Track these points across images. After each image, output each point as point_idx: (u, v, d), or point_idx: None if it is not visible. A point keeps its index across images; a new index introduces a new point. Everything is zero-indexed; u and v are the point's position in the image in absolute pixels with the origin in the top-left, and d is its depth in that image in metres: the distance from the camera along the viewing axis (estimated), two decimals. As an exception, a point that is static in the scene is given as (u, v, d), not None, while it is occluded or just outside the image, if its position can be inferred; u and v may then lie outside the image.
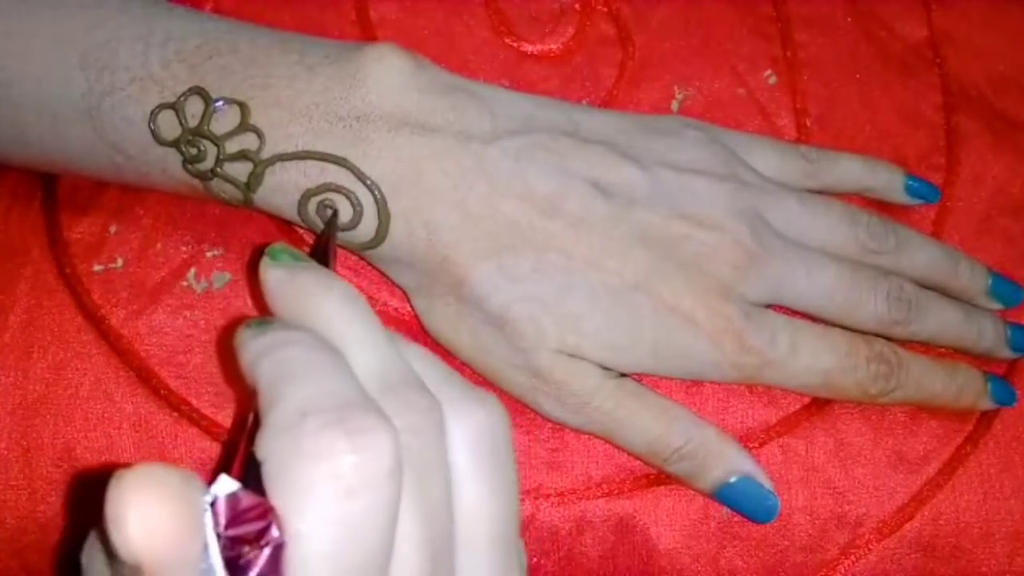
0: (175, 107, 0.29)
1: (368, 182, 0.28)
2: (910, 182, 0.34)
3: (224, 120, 0.29)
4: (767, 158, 0.33)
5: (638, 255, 0.29)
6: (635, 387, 0.30)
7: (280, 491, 0.19)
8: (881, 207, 0.34)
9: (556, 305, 0.29)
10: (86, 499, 0.31)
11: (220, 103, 0.29)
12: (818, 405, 0.32)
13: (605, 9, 0.36)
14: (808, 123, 0.35)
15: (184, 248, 0.32)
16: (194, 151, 0.29)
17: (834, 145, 0.35)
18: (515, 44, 0.35)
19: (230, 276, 0.32)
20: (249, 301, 0.32)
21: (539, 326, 0.29)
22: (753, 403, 0.32)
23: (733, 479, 0.30)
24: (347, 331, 0.23)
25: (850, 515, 0.31)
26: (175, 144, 0.29)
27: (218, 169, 0.29)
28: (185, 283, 0.32)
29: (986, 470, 0.32)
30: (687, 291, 0.29)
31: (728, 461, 0.30)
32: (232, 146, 0.29)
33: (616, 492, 0.31)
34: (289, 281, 0.24)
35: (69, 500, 0.31)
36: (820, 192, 0.33)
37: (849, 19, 0.37)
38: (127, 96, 0.29)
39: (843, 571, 0.31)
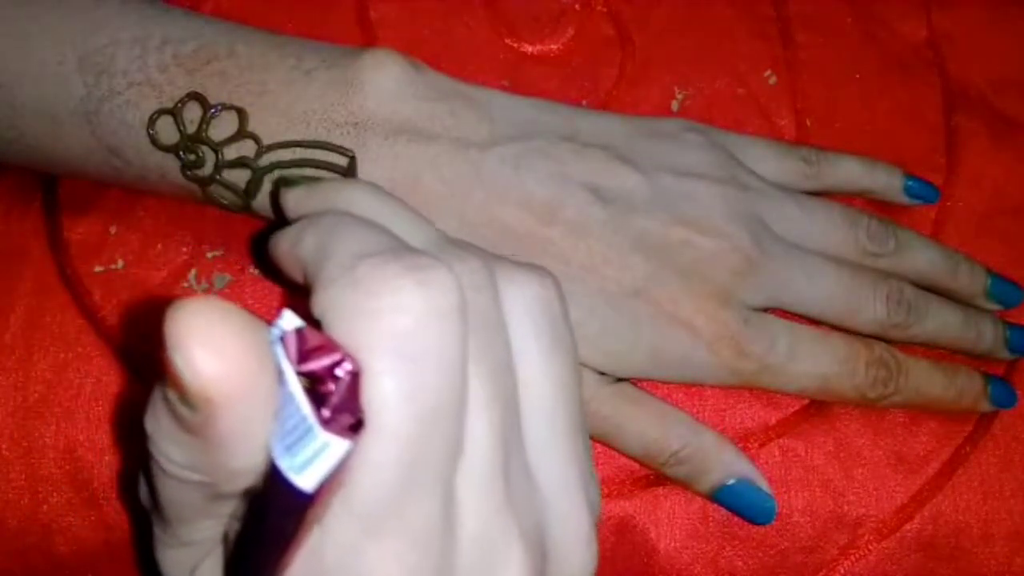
0: (173, 112, 0.29)
1: None
2: (909, 183, 0.34)
3: (222, 126, 0.29)
4: (767, 160, 0.33)
5: (636, 262, 0.29)
6: (632, 392, 0.30)
7: (345, 334, 0.18)
8: (881, 208, 0.34)
9: None
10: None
11: (218, 109, 0.29)
12: (817, 406, 0.32)
13: (605, 9, 0.36)
14: (808, 123, 0.35)
15: (184, 249, 0.32)
16: (192, 157, 0.29)
17: (834, 145, 0.35)
18: (515, 44, 0.35)
19: (231, 277, 0.32)
20: (250, 301, 0.32)
21: None
22: (752, 404, 0.32)
23: (731, 482, 0.30)
24: (379, 207, 0.22)
25: (850, 516, 0.31)
26: (173, 150, 0.29)
27: (217, 175, 0.29)
28: (186, 284, 0.32)
29: (986, 470, 0.32)
30: (686, 297, 0.29)
31: (725, 464, 0.30)
32: (230, 152, 0.29)
33: (616, 493, 0.31)
34: (310, 193, 0.23)
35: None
36: (820, 193, 0.33)
37: (849, 19, 0.37)
38: (125, 101, 0.29)
39: (843, 571, 0.31)
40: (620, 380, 0.30)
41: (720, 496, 0.30)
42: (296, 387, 0.17)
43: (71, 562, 0.31)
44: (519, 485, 0.20)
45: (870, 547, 0.31)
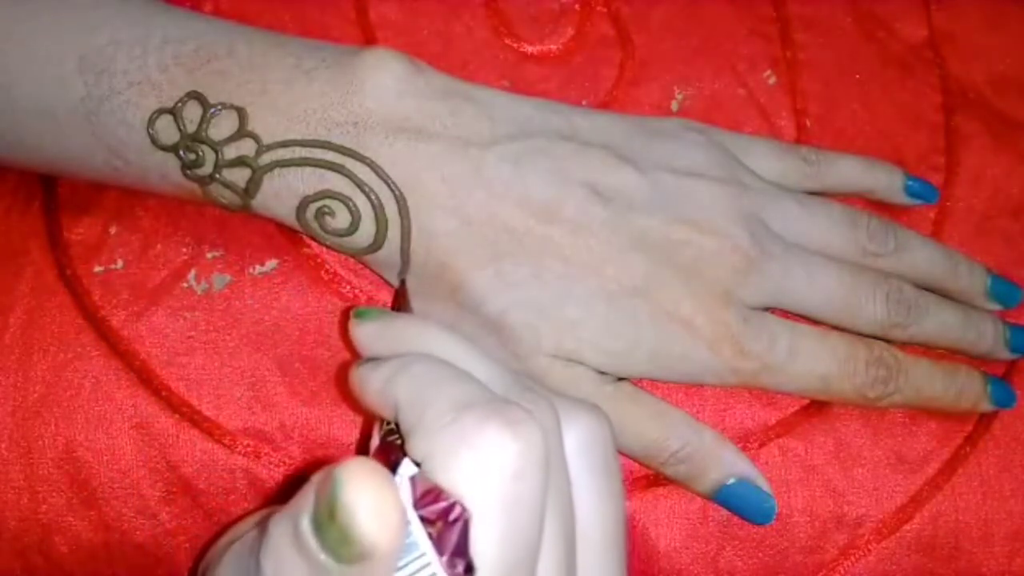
0: (173, 112, 0.29)
1: (366, 188, 0.28)
2: (909, 183, 0.34)
3: (222, 125, 0.29)
4: (767, 160, 0.33)
5: (636, 261, 0.29)
6: (632, 391, 0.30)
7: (451, 482, 0.20)
8: (881, 208, 0.34)
9: (553, 311, 0.29)
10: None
11: (218, 108, 0.29)
12: (817, 406, 0.32)
13: (605, 9, 0.36)
14: (808, 123, 0.35)
15: (184, 249, 0.32)
16: (192, 156, 0.29)
17: (834, 145, 0.35)
18: (515, 45, 0.35)
19: (230, 278, 0.32)
20: (250, 302, 0.32)
21: (535, 332, 0.29)
22: (752, 404, 0.32)
23: (730, 482, 0.30)
24: (455, 352, 0.24)
25: (849, 516, 0.31)
26: (173, 149, 0.29)
27: (216, 175, 0.29)
28: (185, 284, 0.32)
29: (985, 471, 0.32)
30: (686, 297, 0.29)
31: (725, 464, 0.30)
32: (230, 152, 0.29)
33: (616, 493, 0.31)
34: (384, 330, 0.25)
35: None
36: (820, 193, 0.33)
37: (849, 19, 0.37)
38: (125, 101, 0.29)
39: (842, 572, 0.31)
40: (620, 379, 0.30)
41: (720, 496, 0.30)
42: (422, 535, 0.19)
43: (70, 562, 0.31)
44: None
45: (870, 547, 0.31)
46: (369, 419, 0.27)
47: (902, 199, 0.34)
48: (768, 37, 0.36)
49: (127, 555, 0.31)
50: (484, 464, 0.20)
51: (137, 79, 0.29)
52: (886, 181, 0.34)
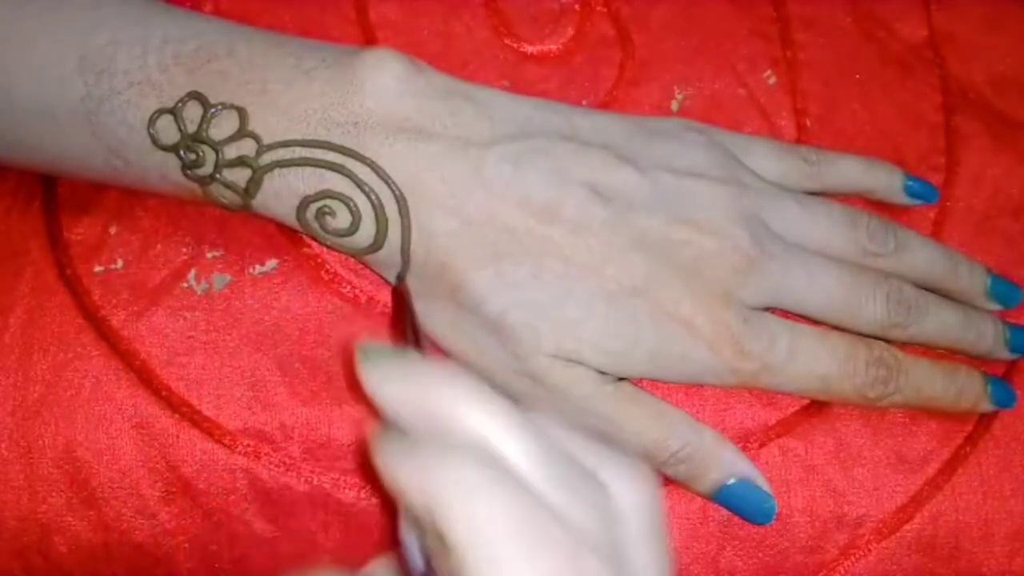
0: (174, 112, 0.29)
1: (366, 189, 0.28)
2: (909, 183, 0.34)
3: (223, 125, 0.29)
4: (767, 160, 0.33)
5: (636, 261, 0.29)
6: (632, 391, 0.30)
7: None
8: (881, 208, 0.34)
9: (553, 311, 0.29)
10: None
11: (218, 108, 0.29)
12: (817, 406, 0.32)
13: (605, 9, 0.36)
14: (808, 123, 0.35)
15: (184, 249, 0.32)
16: (193, 156, 0.29)
17: (834, 145, 0.35)
18: (515, 45, 0.35)
19: (230, 278, 0.32)
20: (250, 302, 0.32)
21: (536, 332, 0.29)
22: (752, 404, 0.32)
23: (730, 482, 0.30)
24: (491, 427, 0.22)
25: (850, 516, 0.31)
26: (174, 149, 0.29)
27: (217, 175, 0.29)
28: (185, 284, 0.32)
29: (986, 470, 0.32)
30: (686, 297, 0.29)
31: (725, 464, 0.30)
32: (230, 152, 0.29)
33: (616, 493, 0.31)
34: (405, 387, 0.22)
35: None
36: (820, 193, 0.33)
37: (849, 19, 0.37)
38: (125, 100, 0.29)
39: (843, 571, 0.31)
40: (620, 379, 0.30)
41: (720, 496, 0.30)
42: None
43: (70, 562, 0.31)
44: None
45: (870, 547, 0.31)
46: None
47: (902, 199, 0.34)
48: (768, 37, 0.36)
49: (126, 555, 0.31)
50: None
51: (137, 79, 0.29)
52: (886, 181, 0.34)
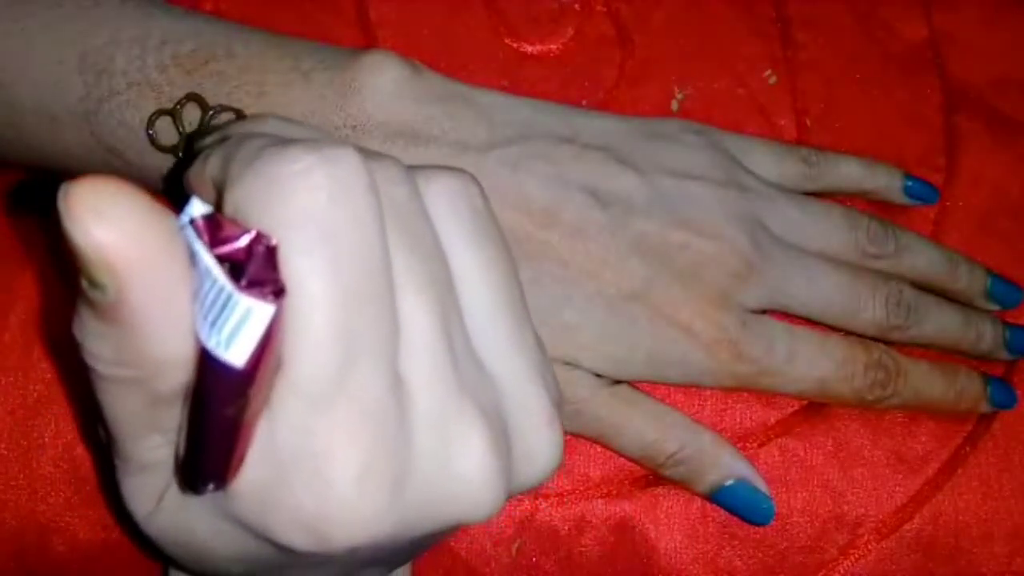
0: (173, 113, 0.29)
1: None
2: (909, 183, 0.34)
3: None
4: (767, 161, 0.33)
5: (635, 265, 0.29)
6: (630, 393, 0.30)
7: (259, 222, 0.17)
8: (881, 208, 0.34)
9: (552, 315, 0.29)
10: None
11: (217, 109, 0.29)
12: (817, 406, 0.32)
13: (605, 9, 0.36)
14: (808, 123, 0.35)
15: (184, 249, 0.32)
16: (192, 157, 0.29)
17: (834, 145, 0.35)
18: (515, 45, 0.35)
19: (230, 277, 0.32)
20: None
21: None
22: (752, 404, 0.32)
23: (729, 483, 0.30)
24: (293, 126, 0.21)
25: (849, 516, 0.31)
26: (173, 151, 0.29)
27: (216, 176, 0.29)
28: (185, 284, 0.32)
29: (985, 470, 0.32)
30: (684, 301, 0.29)
31: (723, 465, 0.30)
32: None
33: (615, 493, 0.31)
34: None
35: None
36: (820, 194, 0.33)
37: (849, 19, 0.37)
38: (125, 101, 0.29)
39: (842, 571, 0.31)
40: (618, 382, 0.30)
41: (718, 497, 0.30)
42: (211, 261, 0.17)
43: (69, 561, 0.31)
44: (470, 373, 0.20)
45: (870, 547, 0.31)
46: None
47: (902, 200, 0.34)
48: (768, 37, 0.36)
49: (126, 555, 0.31)
50: (287, 192, 0.17)
51: (136, 79, 0.29)
52: (886, 181, 0.34)
